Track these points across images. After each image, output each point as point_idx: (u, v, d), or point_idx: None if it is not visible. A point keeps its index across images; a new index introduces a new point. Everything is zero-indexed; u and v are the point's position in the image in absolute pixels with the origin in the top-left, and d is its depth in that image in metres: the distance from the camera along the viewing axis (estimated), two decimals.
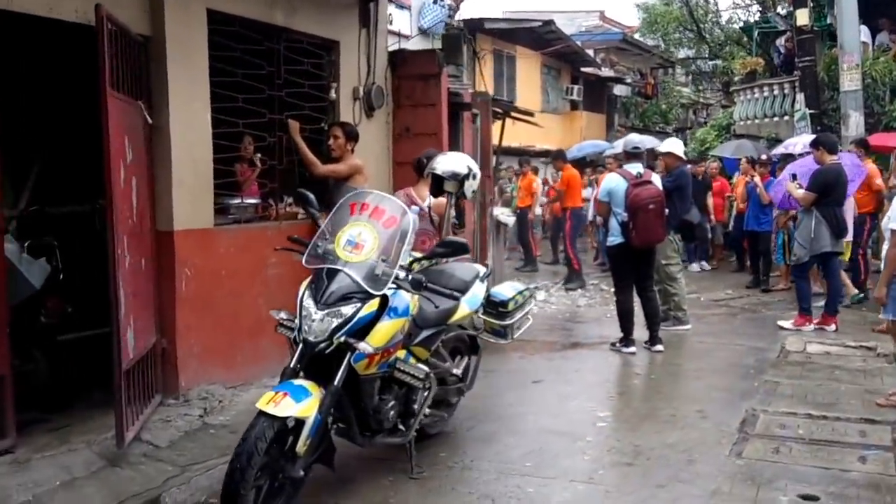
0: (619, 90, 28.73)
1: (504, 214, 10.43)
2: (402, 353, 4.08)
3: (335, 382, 3.63)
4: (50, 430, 4.69)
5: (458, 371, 4.66)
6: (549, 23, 21.56)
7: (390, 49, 7.35)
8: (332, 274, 3.68)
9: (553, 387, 6.19)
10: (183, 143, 5.06)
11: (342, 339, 3.58)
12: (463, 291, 4.65)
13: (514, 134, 21.60)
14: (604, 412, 5.50)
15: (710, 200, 12.88)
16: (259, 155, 6.15)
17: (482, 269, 4.97)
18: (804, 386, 6.04)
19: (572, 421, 5.30)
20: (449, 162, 4.99)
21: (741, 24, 23.62)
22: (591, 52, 26.77)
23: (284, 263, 5.89)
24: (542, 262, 14.73)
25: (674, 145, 8.65)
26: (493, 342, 4.94)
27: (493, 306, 4.66)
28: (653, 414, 5.47)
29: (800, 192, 7.83)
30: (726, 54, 24.93)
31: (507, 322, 4.69)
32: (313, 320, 3.58)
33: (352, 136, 6.19)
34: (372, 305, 3.66)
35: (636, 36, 30.42)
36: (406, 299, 3.86)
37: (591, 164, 20.28)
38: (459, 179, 4.97)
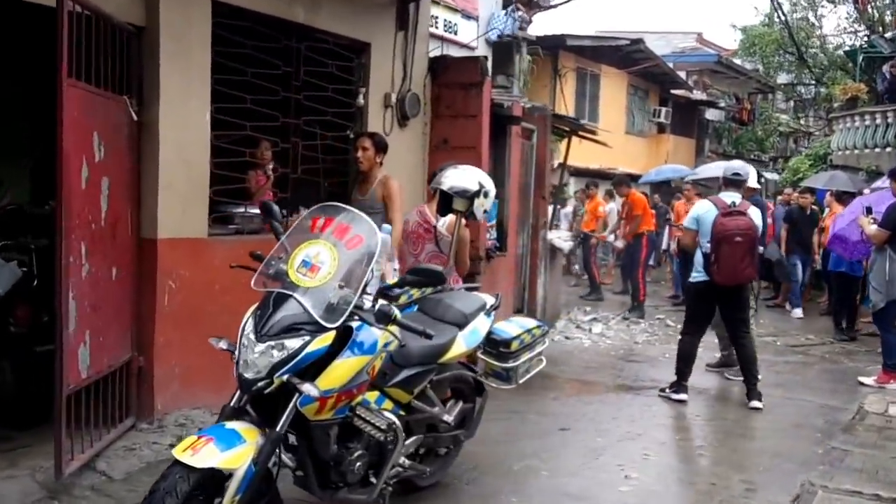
0: (711, 114, 27.46)
1: (560, 238, 9.72)
2: (372, 396, 3.49)
3: (277, 428, 3.06)
4: (5, 450, 4.30)
5: (449, 417, 4.02)
6: (638, 41, 20.68)
7: (431, 55, 6.81)
8: (282, 300, 3.12)
9: (581, 437, 5.47)
10: (174, 144, 4.62)
11: (285, 377, 3.02)
12: (461, 325, 4.03)
13: (594, 155, 20.83)
14: (632, 473, 4.75)
15: (816, 238, 11.79)
16: (272, 164, 5.70)
17: (490, 300, 4.34)
18: (877, 458, 5.14)
19: (593, 482, 4.58)
20: (457, 177, 4.39)
21: (847, 48, 22.18)
22: (682, 74, 25.69)
23: None
24: (612, 291, 13.90)
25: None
26: (496, 387, 4.27)
27: (494, 345, 4.01)
28: (689, 481, 4.71)
29: (872, 228, 6.90)
30: (829, 80, 23.46)
31: (510, 364, 4.03)
32: (252, 353, 3.03)
33: (381, 147, 5.65)
34: (324, 339, 3.07)
35: (737, 60, 29.06)
36: (375, 334, 3.27)
37: (676, 191, 19.29)
38: (468, 197, 4.36)
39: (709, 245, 6.12)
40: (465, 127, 6.67)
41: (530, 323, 4.24)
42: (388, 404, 3.60)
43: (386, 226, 3.36)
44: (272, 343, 3.01)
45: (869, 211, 7.09)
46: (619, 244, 12.04)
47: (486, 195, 4.39)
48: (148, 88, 4.57)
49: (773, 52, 25.70)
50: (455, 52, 7.66)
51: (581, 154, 20.56)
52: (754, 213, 6.28)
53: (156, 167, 4.56)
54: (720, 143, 28.20)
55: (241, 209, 5.29)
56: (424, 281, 3.25)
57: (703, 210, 6.36)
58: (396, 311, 3.14)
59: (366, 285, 3.25)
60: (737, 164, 6.58)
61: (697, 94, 26.28)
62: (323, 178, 5.93)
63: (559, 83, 19.96)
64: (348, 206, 3.38)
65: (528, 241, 8.72)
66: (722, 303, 6.40)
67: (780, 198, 14.53)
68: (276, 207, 3.51)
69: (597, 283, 13.14)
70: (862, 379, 7.30)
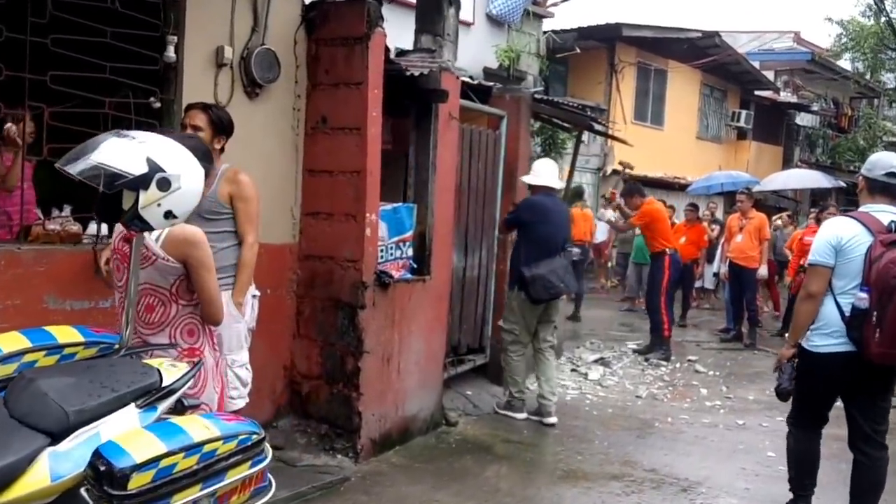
0: (802, 119, 24.44)
1: None
2: None
3: None
4: None
5: None
6: (713, 34, 18.17)
7: None
8: None
9: None
10: None
11: None
12: (57, 434, 2.10)
13: (658, 162, 18.40)
14: None
15: None
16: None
17: (168, 378, 2.39)
18: None
19: None
20: (111, 152, 2.41)
21: None
22: (771, 75, 22.84)
23: (20, 309, 3.63)
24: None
25: (532, 174, 6.14)
26: None
27: (98, 479, 2.04)
28: None
29: None
30: None
31: None
32: None
33: (221, 126, 3.82)
34: None
35: (845, 62, 25.75)
36: None
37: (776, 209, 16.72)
38: (128, 185, 2.39)
39: (863, 296, 3.72)
40: (347, 100, 4.73)
41: (206, 431, 2.19)
42: None
43: None
44: None
45: None
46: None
47: (163, 185, 2.40)
48: None
49: (870, 48, 22.46)
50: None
51: (642, 159, 18.07)
52: None
53: None
54: (812, 151, 25.09)
55: None
56: None
57: (846, 234, 3.84)
58: None
59: None
60: (894, 158, 3.97)
61: (785, 96, 23.35)
62: None
63: (615, 79, 17.69)
64: None
65: (489, 261, 6.67)
66: (860, 384, 3.94)
67: None
68: None
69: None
70: None
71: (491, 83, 6.95)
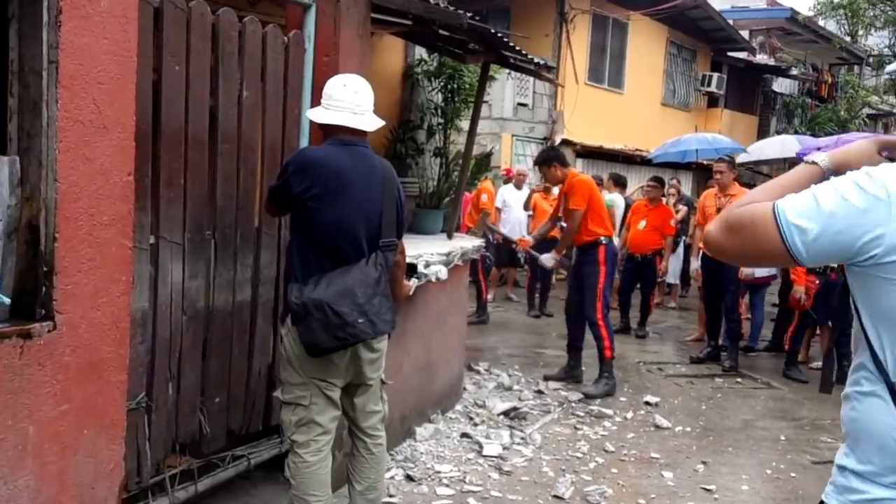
0: (780, 86, 21.65)
1: (434, 262, 4.62)
2: None
3: None
4: None
5: None
6: None
7: None
8: None
9: None
10: None
11: None
12: None
13: (618, 132, 15.50)
14: None
15: None
16: None
17: None
18: None
19: None
20: None
21: None
22: (745, 35, 20.02)
23: None
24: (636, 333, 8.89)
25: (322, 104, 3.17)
26: None
27: None
28: None
29: None
30: None
31: None
32: None
33: None
34: None
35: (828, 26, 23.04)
36: None
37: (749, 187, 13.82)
38: None
39: None
40: None
41: None
42: None
43: None
44: None
45: None
46: (549, 261, 6.74)
47: None
48: None
49: (861, 5, 19.74)
50: None
51: (599, 128, 15.26)
52: None
53: None
54: (790, 122, 22.34)
55: None
56: None
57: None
58: None
59: None
60: None
61: (762, 59, 20.54)
62: None
63: (566, 31, 14.70)
64: None
65: (276, 273, 3.67)
66: None
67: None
68: None
69: (482, 300, 8.95)
70: None
71: None
